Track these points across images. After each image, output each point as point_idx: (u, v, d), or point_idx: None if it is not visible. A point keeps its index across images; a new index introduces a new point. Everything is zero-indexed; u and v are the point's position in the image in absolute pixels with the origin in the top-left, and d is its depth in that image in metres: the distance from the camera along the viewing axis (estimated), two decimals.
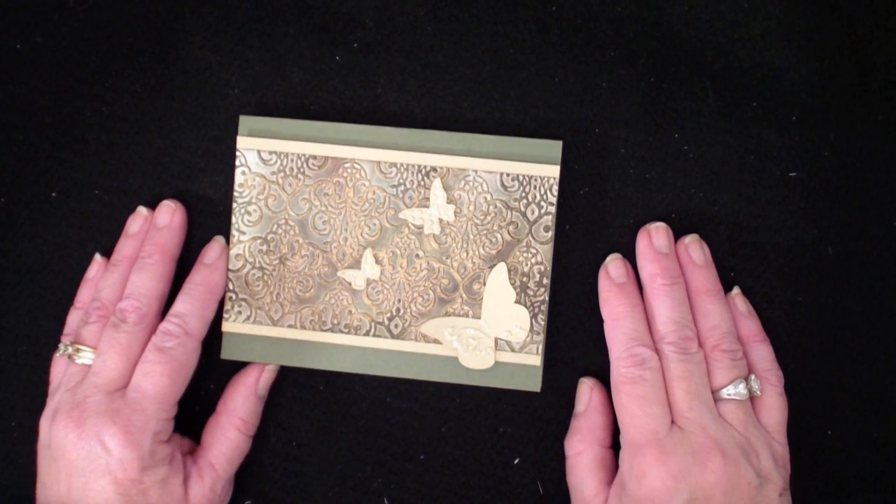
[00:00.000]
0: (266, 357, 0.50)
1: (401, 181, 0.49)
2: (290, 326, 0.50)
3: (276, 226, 0.50)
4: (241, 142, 0.50)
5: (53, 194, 0.52)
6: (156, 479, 0.46)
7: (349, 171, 0.50)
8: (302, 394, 0.52)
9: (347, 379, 0.52)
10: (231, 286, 0.50)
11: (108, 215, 0.52)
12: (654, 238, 0.49)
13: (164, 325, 0.47)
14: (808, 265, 0.51)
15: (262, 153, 0.50)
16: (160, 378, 0.46)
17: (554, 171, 0.49)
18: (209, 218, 0.51)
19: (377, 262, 0.50)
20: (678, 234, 0.50)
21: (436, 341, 0.49)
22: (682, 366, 0.46)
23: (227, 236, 0.51)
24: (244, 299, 0.50)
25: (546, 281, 0.49)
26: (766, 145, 0.50)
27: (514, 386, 0.50)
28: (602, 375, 0.50)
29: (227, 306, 0.50)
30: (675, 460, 0.44)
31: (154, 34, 0.52)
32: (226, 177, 0.52)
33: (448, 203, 0.49)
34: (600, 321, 0.49)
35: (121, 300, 0.48)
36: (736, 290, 0.50)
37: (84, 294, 0.51)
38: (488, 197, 0.49)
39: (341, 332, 0.50)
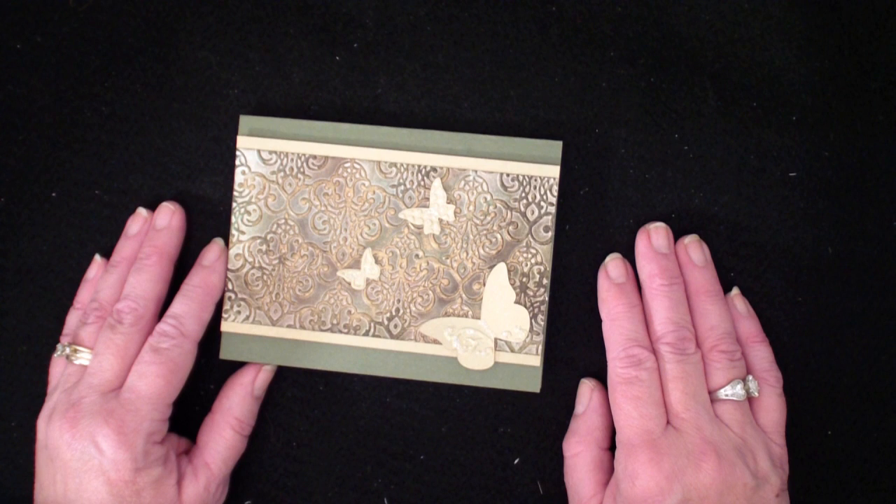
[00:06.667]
0: (265, 357, 0.50)
1: (401, 181, 0.49)
2: (289, 326, 0.50)
3: (275, 225, 0.50)
4: (241, 141, 0.50)
5: (53, 194, 0.52)
6: (149, 480, 0.46)
7: (349, 170, 0.50)
8: (302, 394, 0.52)
9: (347, 379, 0.52)
10: (230, 286, 0.50)
11: (108, 215, 0.52)
12: (653, 238, 0.49)
13: (161, 326, 0.47)
14: (808, 265, 0.51)
15: (262, 153, 0.50)
16: (155, 379, 0.46)
17: (554, 171, 0.49)
18: (209, 218, 0.52)
19: (377, 262, 0.50)
20: (678, 234, 0.50)
21: (435, 342, 0.49)
22: (678, 366, 0.46)
23: (227, 236, 0.51)
24: (243, 299, 0.50)
25: (546, 281, 0.49)
26: (766, 145, 0.50)
27: (513, 387, 0.50)
28: (602, 376, 0.50)
29: (227, 306, 0.50)
30: (668, 461, 0.44)
31: (154, 34, 0.52)
32: (226, 177, 0.52)
33: (448, 203, 0.49)
34: (600, 321, 0.49)
35: (118, 301, 0.48)
36: (735, 291, 0.50)
37: (83, 294, 0.51)
38: (488, 197, 0.49)
39: (340, 332, 0.50)
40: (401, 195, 0.50)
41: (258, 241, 0.50)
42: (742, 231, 0.51)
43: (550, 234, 0.49)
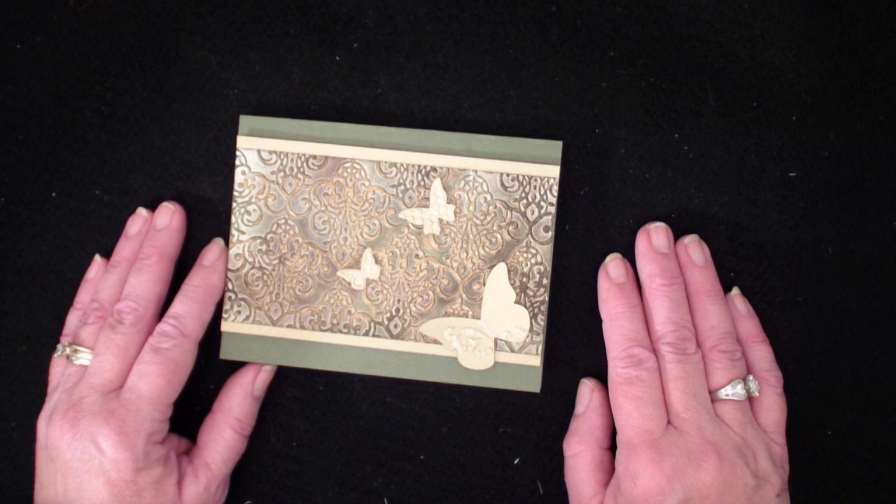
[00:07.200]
0: (265, 357, 0.50)
1: (401, 181, 0.49)
2: (289, 326, 0.50)
3: (275, 225, 0.50)
4: (241, 141, 0.50)
5: (53, 194, 0.52)
6: (150, 480, 0.46)
7: (349, 170, 0.50)
8: (302, 394, 0.52)
9: (347, 379, 0.52)
10: (230, 286, 0.50)
11: (108, 215, 0.52)
12: (653, 238, 0.49)
13: (161, 327, 0.47)
14: (808, 265, 0.51)
15: (262, 153, 0.50)
16: (155, 379, 0.46)
17: (554, 171, 0.49)
18: (209, 218, 0.52)
19: (377, 262, 0.50)
20: (678, 234, 0.50)
21: (435, 341, 0.49)
22: (679, 366, 0.46)
23: (227, 236, 0.51)
24: (243, 299, 0.50)
25: (546, 281, 0.49)
26: (766, 145, 0.50)
27: (513, 386, 0.49)
28: (602, 376, 0.50)
29: (227, 306, 0.50)
30: (669, 460, 0.44)
31: (154, 34, 0.52)
32: (226, 177, 0.52)
33: (448, 203, 0.49)
34: (600, 321, 0.49)
35: (119, 301, 0.48)
36: (735, 291, 0.50)
37: (83, 295, 0.51)
38: (488, 197, 0.49)
39: (341, 332, 0.50)
40: (401, 195, 0.50)
41: (258, 241, 0.50)
42: (742, 231, 0.51)
43: (550, 234, 0.49)
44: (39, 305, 0.52)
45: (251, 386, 0.50)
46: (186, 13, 0.52)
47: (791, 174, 0.51)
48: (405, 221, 0.50)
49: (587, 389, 0.50)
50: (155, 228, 0.50)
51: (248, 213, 0.50)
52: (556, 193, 0.49)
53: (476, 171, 0.49)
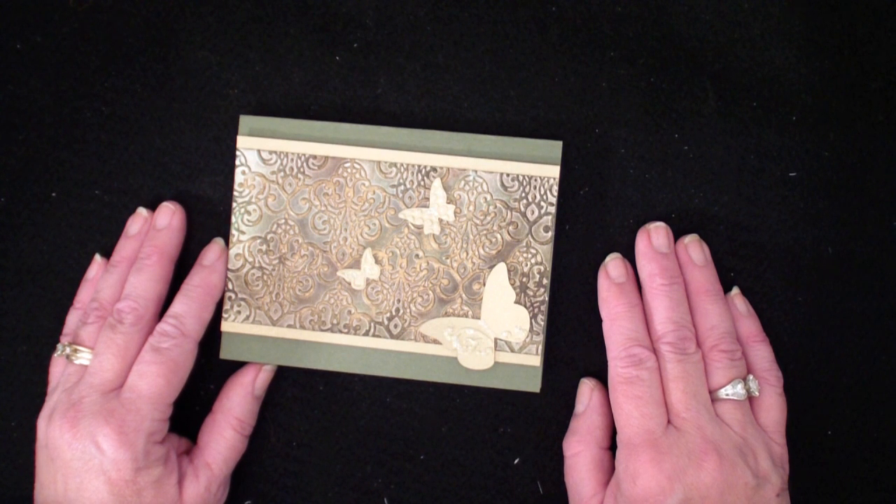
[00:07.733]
0: (265, 357, 0.50)
1: (401, 181, 0.49)
2: (289, 326, 0.50)
3: (275, 225, 0.50)
4: (241, 141, 0.50)
5: (53, 194, 0.52)
6: (150, 480, 0.46)
7: (349, 170, 0.50)
8: (302, 394, 0.52)
9: (347, 379, 0.52)
10: (230, 286, 0.50)
11: (108, 215, 0.52)
12: (653, 238, 0.49)
13: (161, 326, 0.47)
14: (808, 265, 0.51)
15: (262, 153, 0.50)
16: (155, 378, 0.46)
17: (554, 171, 0.49)
18: (209, 218, 0.52)
19: (377, 261, 0.50)
20: (678, 234, 0.50)
21: (435, 341, 0.49)
22: (679, 366, 0.46)
23: (227, 236, 0.51)
24: (243, 299, 0.50)
25: (546, 281, 0.49)
26: (766, 145, 0.50)
27: (513, 386, 0.50)
28: (602, 375, 0.50)
29: (227, 306, 0.50)
30: (670, 460, 0.44)
31: (154, 34, 0.52)
32: (226, 177, 0.52)
33: (448, 203, 0.49)
34: (600, 321, 0.49)
35: (119, 301, 0.48)
36: (735, 291, 0.50)
37: (83, 294, 0.51)
38: (488, 197, 0.49)
39: (341, 332, 0.50)
40: (401, 195, 0.50)
41: (258, 241, 0.50)
42: (742, 231, 0.51)
43: (550, 234, 0.49)
44: (39, 305, 0.52)
45: (251, 386, 0.50)
46: (186, 13, 0.52)
47: (791, 174, 0.51)
48: (405, 221, 0.50)
49: (587, 389, 0.50)
50: (155, 228, 0.50)
51: (248, 213, 0.50)
52: (556, 193, 0.49)
53: (476, 171, 0.49)
